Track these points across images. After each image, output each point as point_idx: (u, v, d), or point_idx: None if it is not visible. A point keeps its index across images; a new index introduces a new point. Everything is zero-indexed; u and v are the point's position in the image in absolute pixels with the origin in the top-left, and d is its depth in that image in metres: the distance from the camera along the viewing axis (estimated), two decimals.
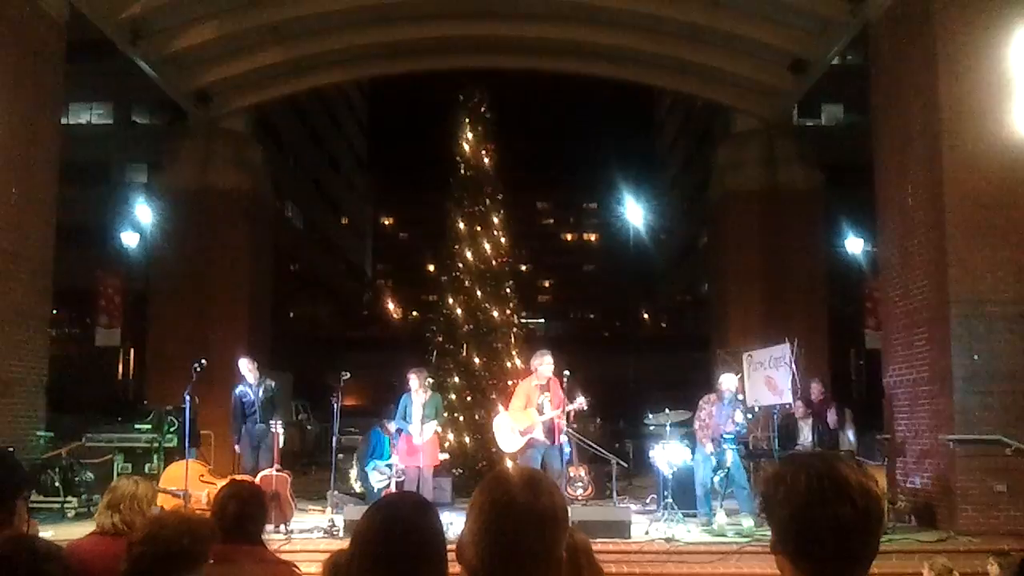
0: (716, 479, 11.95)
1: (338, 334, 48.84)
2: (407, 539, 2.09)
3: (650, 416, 13.84)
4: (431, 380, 12.99)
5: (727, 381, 12.09)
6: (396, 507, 2.20)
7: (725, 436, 11.75)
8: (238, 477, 9.60)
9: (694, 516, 11.79)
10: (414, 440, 12.12)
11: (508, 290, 16.99)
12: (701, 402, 12.14)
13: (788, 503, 1.85)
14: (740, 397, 12.47)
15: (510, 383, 15.08)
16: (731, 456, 11.74)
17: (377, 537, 2.10)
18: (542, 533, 1.90)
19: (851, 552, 1.82)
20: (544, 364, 11.93)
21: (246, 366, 12.69)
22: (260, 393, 12.44)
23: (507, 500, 1.90)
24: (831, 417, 14.04)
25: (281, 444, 12.02)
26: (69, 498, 12.25)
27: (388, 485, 12.68)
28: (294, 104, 39.73)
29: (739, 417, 11.83)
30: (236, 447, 12.74)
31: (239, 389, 12.64)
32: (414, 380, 12.28)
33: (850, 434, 14.50)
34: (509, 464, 11.59)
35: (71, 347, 32.28)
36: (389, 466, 12.57)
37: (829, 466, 1.87)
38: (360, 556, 2.11)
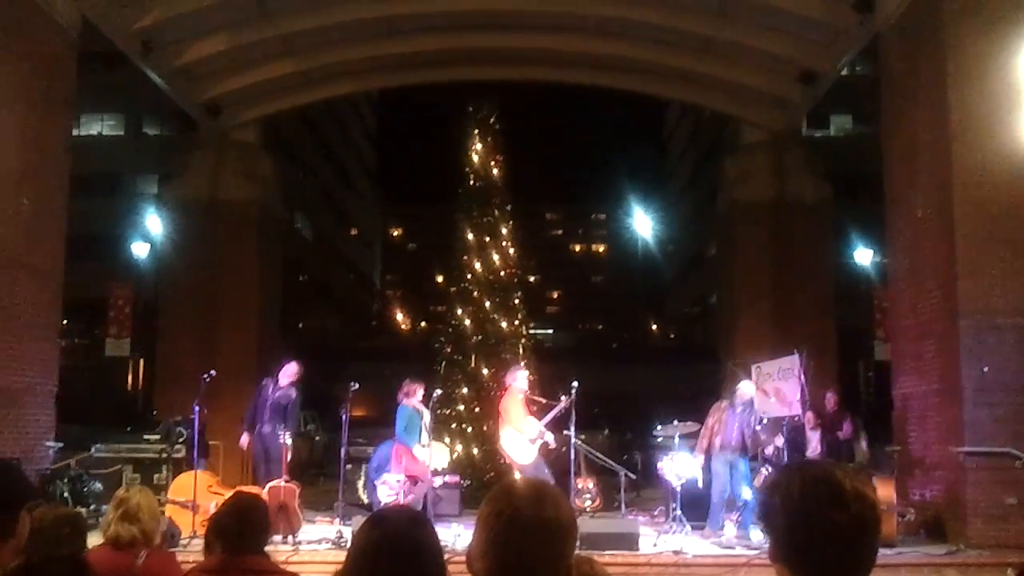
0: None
1: (347, 345, 48.84)
2: (403, 554, 2.09)
3: (658, 428, 13.81)
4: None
5: (745, 387, 12.04)
6: (391, 522, 2.19)
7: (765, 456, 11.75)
8: (244, 488, 9.61)
9: (701, 528, 11.75)
10: (431, 458, 12.15)
11: (516, 301, 17.02)
12: (712, 408, 12.13)
13: (784, 510, 1.86)
14: (759, 414, 12.35)
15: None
16: (744, 468, 11.72)
17: (373, 553, 2.10)
18: (547, 544, 1.92)
19: (847, 558, 1.83)
20: (523, 377, 12.34)
21: (289, 369, 12.73)
22: (274, 394, 12.45)
23: (512, 512, 1.92)
24: (846, 428, 14.00)
25: (288, 457, 12.08)
26: (78, 508, 12.25)
27: (396, 499, 12.65)
28: (304, 115, 39.80)
29: (748, 432, 11.77)
30: (243, 439, 12.71)
31: (265, 380, 12.78)
32: (421, 393, 12.26)
33: (864, 445, 14.45)
34: (517, 475, 11.64)
35: (81, 357, 32.34)
36: (399, 480, 12.53)
37: (824, 472, 1.89)
38: (358, 570, 2.10)
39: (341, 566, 2.18)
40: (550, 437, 12.11)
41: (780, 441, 11.81)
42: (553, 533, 1.92)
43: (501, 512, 1.92)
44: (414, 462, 12.05)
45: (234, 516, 4.07)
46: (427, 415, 12.20)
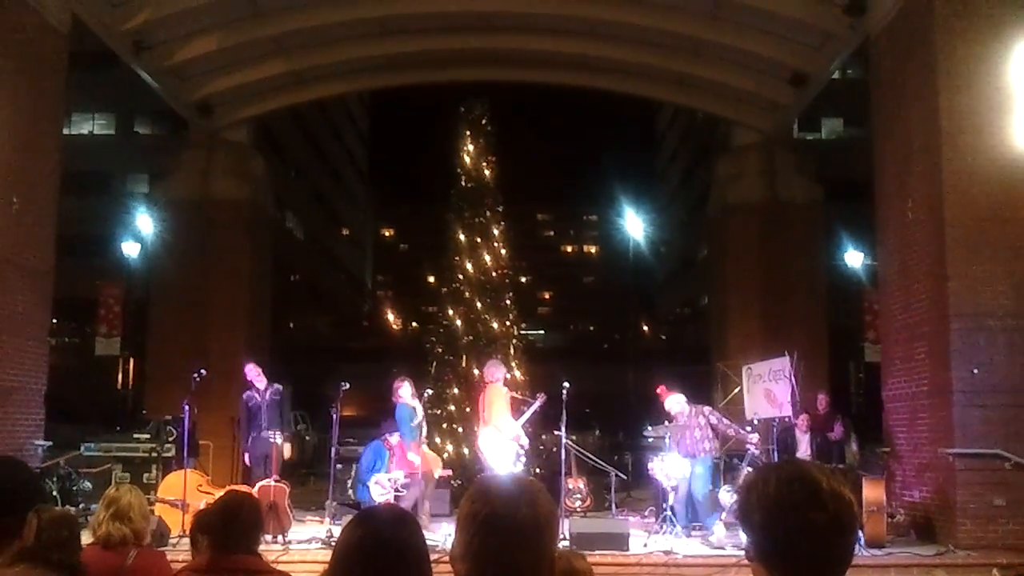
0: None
1: (337, 345, 48.74)
2: (388, 553, 2.09)
3: (649, 428, 13.82)
4: None
5: (669, 404, 12.02)
6: (376, 521, 2.19)
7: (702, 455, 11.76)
8: (237, 487, 9.59)
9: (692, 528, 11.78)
10: (423, 450, 12.20)
11: (508, 301, 17.01)
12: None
13: (760, 509, 1.86)
14: (705, 411, 12.30)
15: (511, 395, 15.12)
16: (699, 471, 11.75)
17: (358, 551, 2.09)
18: (525, 544, 1.91)
19: (824, 557, 1.83)
20: (501, 371, 12.25)
21: (253, 372, 12.72)
22: (267, 397, 12.48)
23: (488, 512, 1.91)
24: (837, 429, 14.04)
25: (286, 455, 12.16)
26: (67, 507, 12.21)
27: (389, 497, 12.64)
28: (295, 115, 39.76)
29: (700, 434, 11.76)
30: (245, 458, 12.74)
31: (246, 394, 12.68)
32: (409, 390, 12.23)
33: (854, 447, 14.50)
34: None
35: (71, 356, 32.22)
36: (391, 479, 12.54)
37: (800, 472, 1.88)
38: (343, 569, 2.10)
39: (327, 565, 2.18)
40: (525, 440, 12.10)
41: (755, 438, 11.82)
42: (530, 532, 1.91)
43: (477, 513, 1.92)
44: (416, 458, 12.04)
45: (220, 514, 4.05)
46: (420, 410, 12.20)
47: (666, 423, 12.22)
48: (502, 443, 11.87)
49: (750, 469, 11.74)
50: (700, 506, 11.66)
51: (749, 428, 12.34)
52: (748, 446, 11.88)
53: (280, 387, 12.70)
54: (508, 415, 11.98)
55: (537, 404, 12.11)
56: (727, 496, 11.66)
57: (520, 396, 12.26)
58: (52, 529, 3.69)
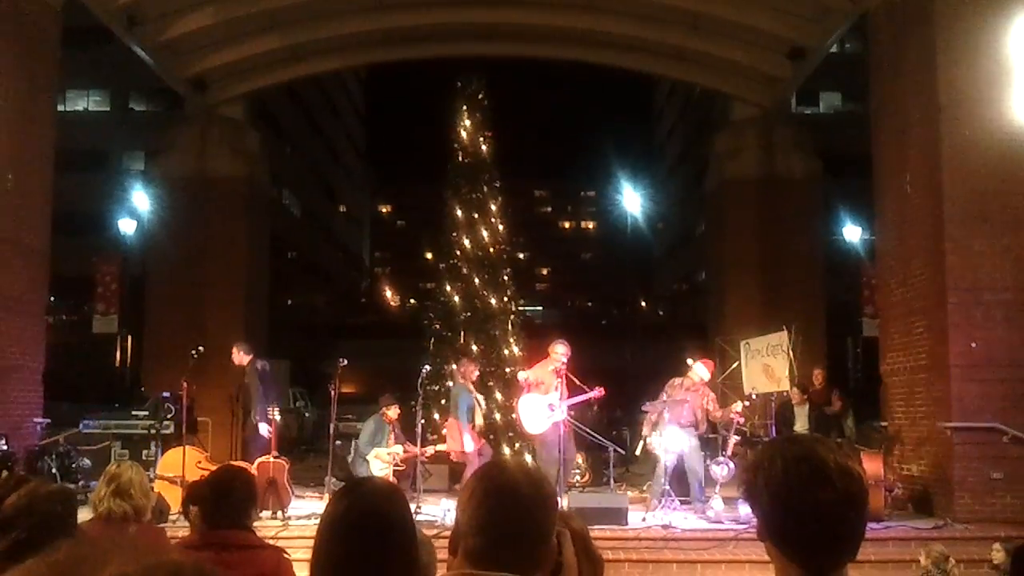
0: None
1: (336, 322, 48.79)
2: (371, 524, 2.10)
3: (647, 404, 13.83)
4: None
5: (699, 370, 11.98)
6: (360, 492, 2.21)
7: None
8: (234, 463, 9.60)
9: (689, 503, 11.78)
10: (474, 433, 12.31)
11: (505, 278, 16.97)
12: (666, 385, 12.04)
13: (767, 489, 1.85)
14: (711, 396, 12.25)
15: (508, 370, 15.16)
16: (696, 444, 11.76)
17: (341, 522, 2.12)
18: (544, 517, 1.96)
19: (835, 535, 1.82)
20: (560, 352, 12.01)
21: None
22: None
23: (512, 487, 1.95)
24: (836, 403, 14.08)
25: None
26: (65, 484, 12.22)
27: (388, 472, 12.69)
28: (291, 91, 39.64)
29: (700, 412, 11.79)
30: (263, 430, 12.31)
31: (268, 369, 12.68)
32: (476, 375, 12.42)
33: (851, 421, 14.55)
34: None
35: (68, 334, 32.21)
36: (390, 454, 12.58)
37: (807, 450, 1.87)
38: (327, 541, 2.11)
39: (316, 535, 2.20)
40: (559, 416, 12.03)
41: (738, 406, 11.79)
42: (548, 508, 1.97)
43: (501, 487, 1.94)
44: (471, 442, 12.12)
45: (211, 487, 4.06)
46: (480, 397, 12.32)
47: (664, 396, 12.14)
48: (538, 412, 11.83)
49: (737, 438, 11.84)
50: (697, 480, 11.63)
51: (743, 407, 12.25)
52: (732, 415, 11.84)
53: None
54: (550, 390, 11.94)
55: (592, 394, 12.05)
56: (718, 470, 11.67)
57: (576, 381, 12.16)
58: (46, 503, 3.69)
